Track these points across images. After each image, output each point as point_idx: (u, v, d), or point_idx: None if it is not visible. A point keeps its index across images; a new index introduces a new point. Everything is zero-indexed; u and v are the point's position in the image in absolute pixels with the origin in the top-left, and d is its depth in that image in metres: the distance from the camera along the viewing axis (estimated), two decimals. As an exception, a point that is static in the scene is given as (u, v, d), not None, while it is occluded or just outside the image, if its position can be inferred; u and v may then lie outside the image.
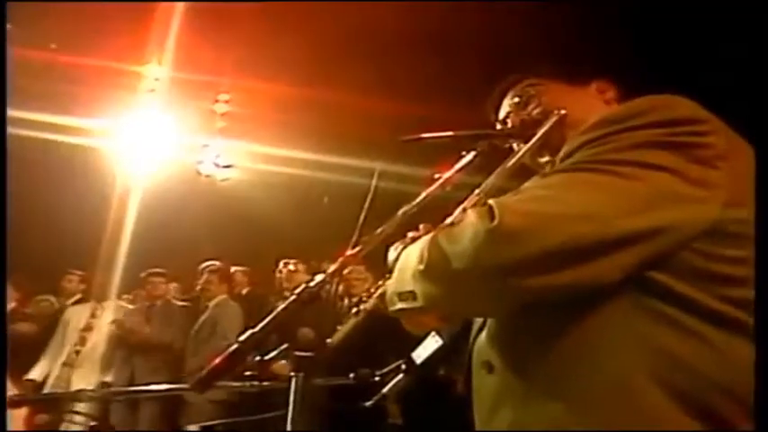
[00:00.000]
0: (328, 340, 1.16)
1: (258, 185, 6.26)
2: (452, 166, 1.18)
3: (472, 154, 1.19)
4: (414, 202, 1.08)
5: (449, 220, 1.12)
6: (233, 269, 5.06)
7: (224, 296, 4.69)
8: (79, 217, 5.90)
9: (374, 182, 1.10)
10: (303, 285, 0.98)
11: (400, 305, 0.97)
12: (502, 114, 1.30)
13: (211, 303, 4.63)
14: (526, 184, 0.97)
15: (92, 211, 5.86)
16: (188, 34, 5.64)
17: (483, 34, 4.68)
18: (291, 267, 4.56)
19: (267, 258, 5.03)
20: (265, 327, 0.92)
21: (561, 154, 0.96)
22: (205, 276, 4.73)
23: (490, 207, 0.85)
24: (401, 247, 1.06)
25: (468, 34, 4.76)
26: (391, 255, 1.09)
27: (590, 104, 1.22)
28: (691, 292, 0.84)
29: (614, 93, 1.25)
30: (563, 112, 1.18)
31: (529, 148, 1.18)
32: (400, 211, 1.10)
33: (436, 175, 1.12)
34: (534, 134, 1.18)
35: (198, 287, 4.77)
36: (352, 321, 1.15)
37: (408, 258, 0.97)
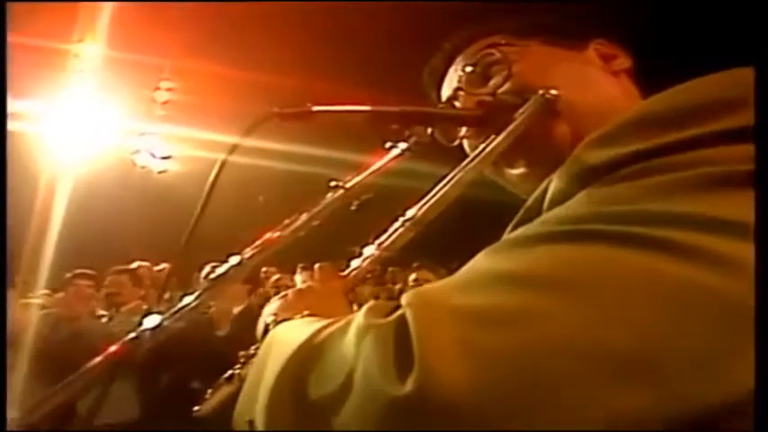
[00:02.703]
0: (195, 409, 0.82)
1: (198, 179, 5.75)
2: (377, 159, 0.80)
3: (400, 148, 0.79)
4: (293, 225, 0.69)
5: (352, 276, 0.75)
6: (136, 264, 4.33)
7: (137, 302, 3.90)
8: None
9: (216, 169, 0.74)
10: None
11: None
12: (446, 91, 0.85)
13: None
14: (480, 261, 0.49)
15: (14, 203, 5.30)
16: (125, 9, 5.15)
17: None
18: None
19: (202, 258, 4.55)
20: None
21: (553, 188, 0.53)
22: (111, 279, 3.99)
23: (401, 336, 0.42)
24: (271, 318, 0.70)
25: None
26: (260, 323, 0.75)
27: (591, 79, 0.78)
28: None
29: (625, 59, 0.81)
30: (553, 92, 0.73)
31: (489, 155, 0.73)
32: (287, 231, 0.71)
33: (332, 183, 0.72)
34: (502, 126, 0.74)
35: (104, 292, 4.03)
36: (224, 390, 0.80)
37: (264, 367, 0.58)
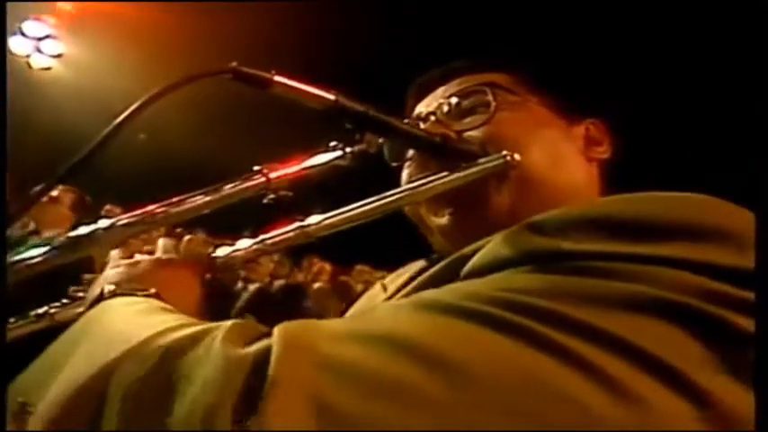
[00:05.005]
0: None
1: (85, 92, 5.16)
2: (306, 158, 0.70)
3: (343, 152, 0.69)
4: (187, 204, 0.61)
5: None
6: None
7: None
8: None
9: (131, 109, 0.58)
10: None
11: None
12: (421, 108, 0.80)
13: None
14: (381, 313, 0.50)
15: None
16: None
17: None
18: (54, 194, 3.35)
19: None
20: None
21: (487, 251, 0.53)
22: None
23: (254, 373, 0.39)
24: (110, 288, 0.62)
25: None
26: (97, 286, 0.66)
27: (564, 159, 0.77)
28: None
29: (607, 149, 0.81)
30: (516, 157, 0.71)
31: (422, 192, 0.73)
32: (176, 209, 0.63)
33: (255, 168, 0.63)
34: (447, 167, 0.72)
35: None
36: (26, 327, 0.74)
37: (76, 347, 0.50)
